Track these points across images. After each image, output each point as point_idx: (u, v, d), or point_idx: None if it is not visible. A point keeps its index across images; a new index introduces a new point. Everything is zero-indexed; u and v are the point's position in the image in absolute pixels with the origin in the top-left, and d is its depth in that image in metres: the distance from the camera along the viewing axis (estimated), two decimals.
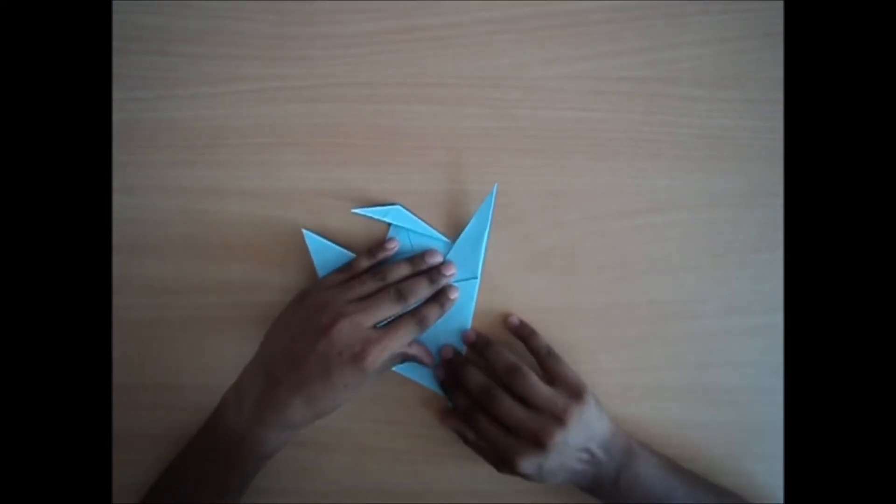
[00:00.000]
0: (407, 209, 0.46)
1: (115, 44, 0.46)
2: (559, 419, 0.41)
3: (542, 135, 0.46)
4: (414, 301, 0.42)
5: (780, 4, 0.46)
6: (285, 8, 0.46)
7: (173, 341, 0.47)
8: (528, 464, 0.41)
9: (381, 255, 0.44)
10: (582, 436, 0.41)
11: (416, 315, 0.42)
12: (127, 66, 0.46)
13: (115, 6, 0.46)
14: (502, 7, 0.46)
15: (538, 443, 0.41)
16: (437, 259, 0.45)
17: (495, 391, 0.43)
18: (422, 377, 0.46)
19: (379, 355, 0.39)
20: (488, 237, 0.46)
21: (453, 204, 0.47)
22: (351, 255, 0.45)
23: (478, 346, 0.46)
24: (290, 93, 0.46)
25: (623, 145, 0.46)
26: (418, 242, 0.46)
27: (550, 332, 0.47)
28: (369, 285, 0.42)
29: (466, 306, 0.46)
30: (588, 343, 0.47)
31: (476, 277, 0.46)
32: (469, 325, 0.46)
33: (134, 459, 0.47)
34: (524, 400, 0.42)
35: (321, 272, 0.46)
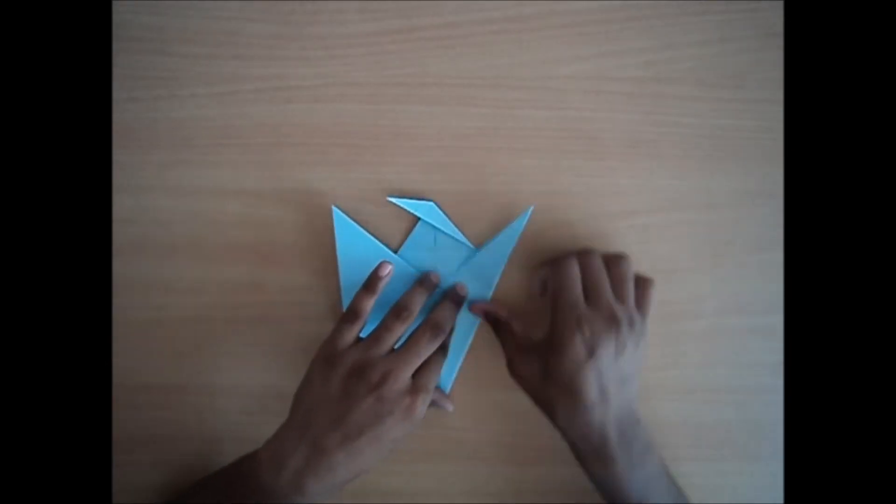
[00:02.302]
0: (440, 208, 0.46)
1: (115, 44, 0.46)
2: (632, 321, 0.40)
3: (542, 135, 0.46)
4: (448, 329, 0.42)
5: (780, 4, 0.46)
6: (285, 8, 0.46)
7: (173, 341, 0.47)
8: (590, 334, 0.39)
9: (381, 287, 0.42)
10: (632, 365, 0.40)
11: (442, 346, 0.42)
12: (127, 66, 0.46)
13: (115, 6, 0.46)
14: (502, 7, 0.46)
15: (613, 320, 0.39)
16: (437, 280, 0.45)
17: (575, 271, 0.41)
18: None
19: (426, 401, 0.40)
20: (511, 252, 0.46)
21: (453, 204, 0.47)
22: (375, 242, 0.45)
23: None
24: (290, 93, 0.46)
25: (623, 145, 0.46)
26: (442, 243, 0.46)
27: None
28: (397, 330, 0.41)
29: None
30: None
31: (490, 288, 0.46)
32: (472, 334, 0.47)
33: (134, 459, 0.47)
34: (616, 287, 0.41)
35: (341, 254, 0.45)
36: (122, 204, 0.47)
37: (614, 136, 0.46)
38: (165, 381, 0.47)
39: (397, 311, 0.41)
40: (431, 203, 0.46)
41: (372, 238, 0.45)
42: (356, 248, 0.45)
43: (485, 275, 0.46)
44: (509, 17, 0.46)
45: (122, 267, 0.47)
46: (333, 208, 0.45)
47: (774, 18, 0.46)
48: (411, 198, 0.46)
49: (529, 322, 0.44)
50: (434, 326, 0.41)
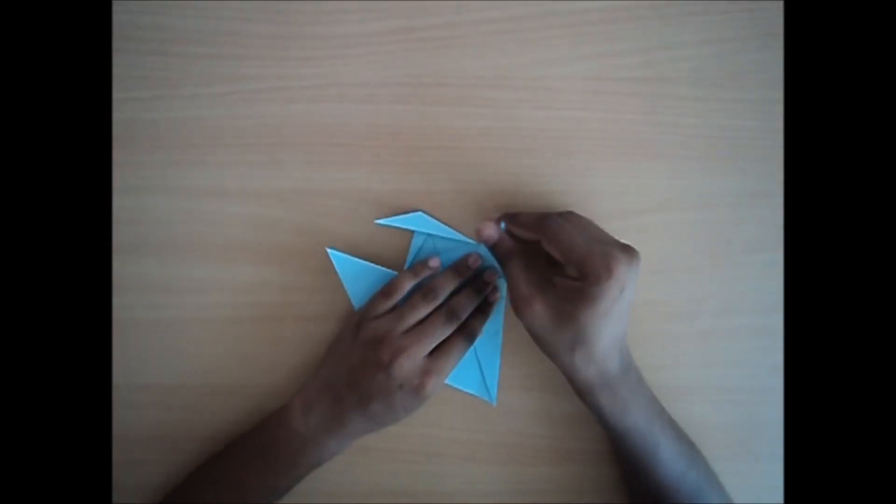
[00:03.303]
0: (429, 214, 0.46)
1: (115, 44, 0.46)
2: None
3: (542, 135, 0.46)
4: (465, 316, 0.43)
5: (780, 4, 0.46)
6: (285, 8, 0.46)
7: (173, 341, 0.47)
8: (622, 272, 0.37)
9: (425, 275, 0.44)
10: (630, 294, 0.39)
11: (464, 331, 0.43)
12: (127, 66, 0.46)
13: (115, 6, 0.46)
14: (502, 7, 0.46)
15: (631, 254, 0.38)
16: (479, 262, 0.45)
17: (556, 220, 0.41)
18: (459, 382, 0.47)
19: (437, 382, 0.42)
20: None
21: (453, 204, 0.47)
22: (377, 268, 0.45)
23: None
24: (290, 93, 0.46)
25: (623, 145, 0.46)
26: (444, 246, 0.46)
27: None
28: (421, 310, 0.43)
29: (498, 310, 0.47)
30: None
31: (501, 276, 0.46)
32: (501, 323, 0.47)
33: (134, 459, 0.47)
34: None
35: (350, 289, 0.46)
36: (122, 204, 0.47)
37: (614, 136, 0.46)
38: (165, 381, 0.47)
39: (425, 292, 0.43)
40: (420, 213, 0.46)
41: (372, 265, 0.46)
42: (361, 279, 0.46)
43: (494, 264, 0.46)
44: (509, 17, 0.46)
45: (122, 267, 0.47)
46: (329, 250, 0.45)
47: (774, 18, 0.46)
48: (399, 214, 0.46)
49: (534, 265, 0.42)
50: (449, 312, 0.43)
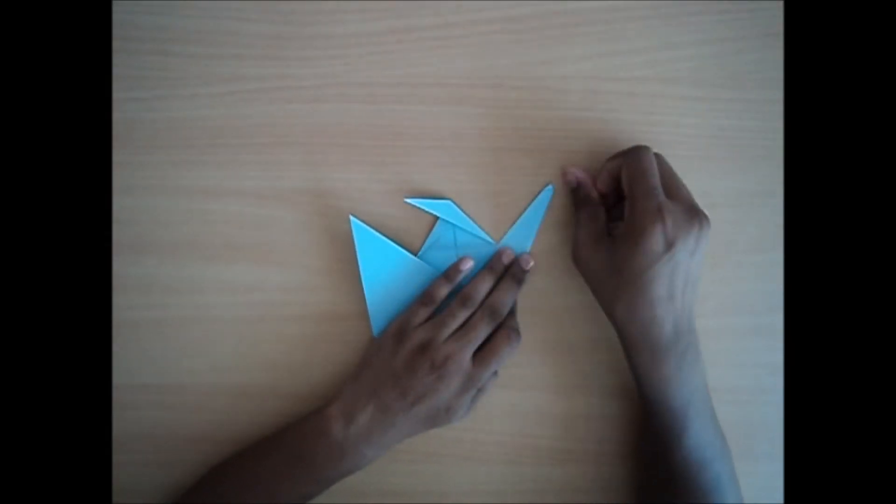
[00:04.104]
0: (458, 205, 0.46)
1: (115, 44, 0.46)
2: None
3: (542, 135, 0.46)
4: (506, 313, 0.44)
5: (780, 4, 0.46)
6: (285, 8, 0.46)
7: (173, 341, 0.47)
8: (672, 226, 0.37)
9: (458, 279, 0.45)
10: (698, 266, 0.39)
11: (506, 330, 0.43)
12: (127, 66, 0.46)
13: (115, 6, 0.46)
14: (502, 7, 0.46)
15: (694, 214, 0.38)
16: (511, 258, 0.46)
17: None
18: None
19: (484, 375, 0.43)
20: (536, 235, 0.47)
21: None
22: (396, 248, 0.45)
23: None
24: (290, 93, 0.46)
25: (623, 145, 0.46)
26: (463, 240, 0.46)
27: (550, 332, 0.47)
28: (461, 315, 0.43)
29: None
30: (588, 343, 0.47)
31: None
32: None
33: (134, 459, 0.47)
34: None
35: (362, 262, 0.45)
36: (122, 204, 0.47)
37: (614, 136, 0.46)
38: (165, 381, 0.47)
39: (463, 299, 0.44)
40: (449, 202, 0.46)
41: (392, 244, 0.45)
42: (377, 255, 0.45)
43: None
44: (509, 17, 0.46)
45: (122, 267, 0.47)
46: (351, 218, 0.45)
47: (774, 18, 0.46)
48: (428, 198, 0.46)
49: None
50: (491, 312, 0.43)
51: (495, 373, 0.45)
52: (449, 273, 0.45)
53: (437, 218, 0.46)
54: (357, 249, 0.45)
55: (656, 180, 0.39)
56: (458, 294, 0.44)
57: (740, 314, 0.47)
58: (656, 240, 0.38)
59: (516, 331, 0.44)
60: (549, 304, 0.47)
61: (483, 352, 0.43)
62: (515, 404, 0.47)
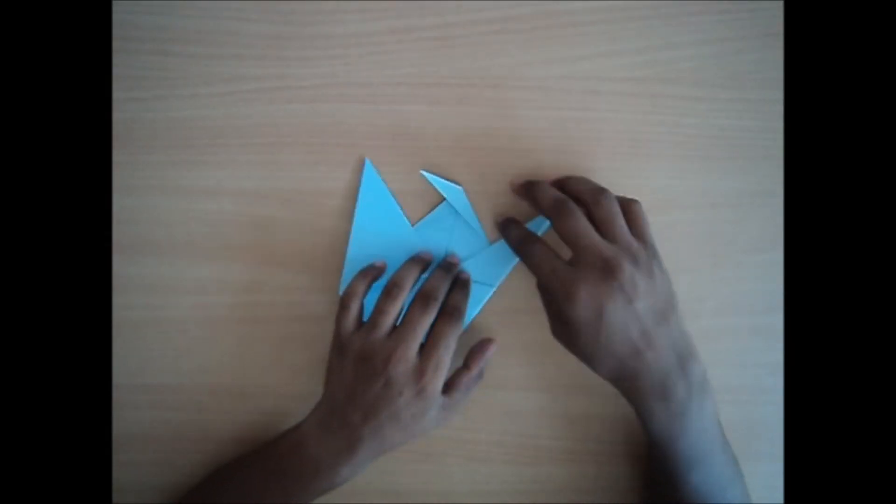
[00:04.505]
0: (467, 196, 0.46)
1: (115, 44, 0.46)
2: (635, 257, 0.37)
3: (542, 135, 0.46)
4: (441, 297, 0.42)
5: (780, 4, 0.46)
6: (285, 8, 0.46)
7: (173, 341, 0.47)
8: (587, 297, 0.36)
9: (374, 273, 0.44)
10: (657, 299, 0.37)
11: (446, 312, 0.42)
12: (127, 66, 0.46)
13: (115, 6, 0.46)
14: (502, 7, 0.46)
15: (608, 270, 0.36)
16: (430, 258, 0.45)
17: (571, 205, 0.38)
18: None
19: (437, 376, 0.40)
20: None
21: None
22: (398, 209, 0.45)
23: (556, 183, 0.42)
24: (290, 93, 0.46)
25: (623, 145, 0.46)
26: (459, 229, 0.46)
27: (550, 332, 0.47)
28: (391, 311, 0.41)
29: (471, 309, 0.46)
30: None
31: (493, 286, 0.46)
32: (463, 326, 0.45)
33: (134, 459, 0.47)
34: (601, 228, 0.38)
35: (360, 209, 0.45)
36: (122, 204, 0.46)
37: (614, 136, 0.46)
38: (165, 381, 0.47)
39: (388, 289, 0.42)
40: (460, 189, 0.46)
41: (395, 204, 0.45)
42: (376, 209, 0.45)
43: (492, 271, 0.46)
44: (509, 17, 0.46)
45: (122, 267, 0.47)
46: (367, 161, 0.45)
47: (774, 18, 0.46)
48: (443, 178, 0.46)
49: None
50: (424, 296, 0.41)
51: (481, 373, 0.44)
52: (364, 270, 0.43)
53: (442, 200, 0.46)
54: (359, 194, 0.45)
55: (549, 255, 0.38)
56: (384, 286, 0.42)
57: (740, 314, 0.47)
58: (581, 315, 0.36)
59: (458, 308, 0.42)
60: None
61: (427, 346, 0.41)
62: (515, 404, 0.47)
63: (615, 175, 0.46)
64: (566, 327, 0.38)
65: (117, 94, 0.46)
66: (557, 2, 0.46)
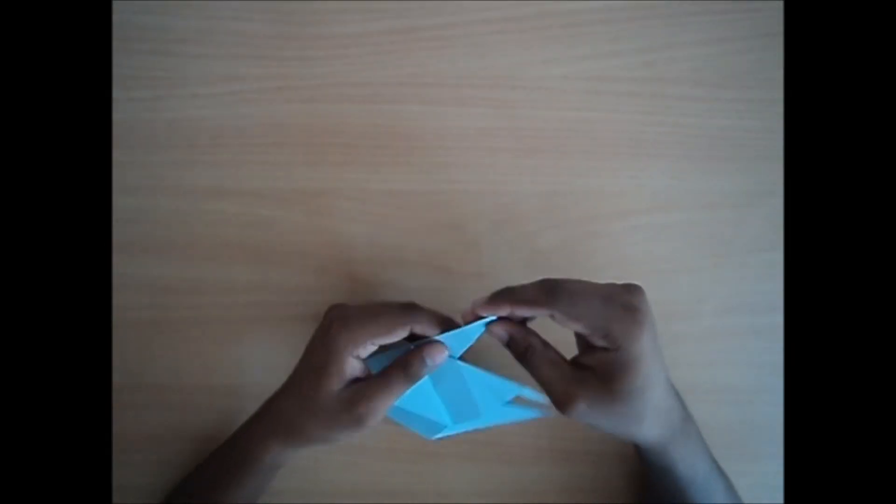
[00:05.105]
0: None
1: (115, 44, 0.46)
2: (627, 291, 0.36)
3: (542, 135, 0.46)
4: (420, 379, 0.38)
5: (780, 4, 0.46)
6: (285, 8, 0.46)
7: (173, 341, 0.47)
8: (644, 312, 0.35)
9: (423, 330, 0.38)
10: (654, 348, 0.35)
11: (405, 364, 0.38)
12: (127, 66, 0.46)
13: (115, 6, 0.46)
14: (502, 7, 0.46)
15: (632, 310, 0.35)
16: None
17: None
18: (409, 421, 0.42)
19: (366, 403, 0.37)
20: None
21: (454, 205, 0.47)
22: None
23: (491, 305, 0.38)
24: (290, 93, 0.46)
25: (623, 145, 0.46)
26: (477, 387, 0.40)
27: (550, 332, 0.47)
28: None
29: (465, 344, 0.40)
30: None
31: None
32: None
33: (134, 459, 0.47)
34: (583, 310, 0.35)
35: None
36: (122, 204, 0.46)
37: (614, 136, 0.46)
38: (165, 381, 0.47)
39: (404, 306, 0.39)
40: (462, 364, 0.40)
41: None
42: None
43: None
44: (509, 17, 0.46)
45: (122, 267, 0.47)
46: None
47: (774, 18, 0.46)
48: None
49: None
50: (409, 367, 0.38)
51: (412, 374, 0.38)
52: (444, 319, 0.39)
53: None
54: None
55: (591, 293, 0.35)
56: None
57: (740, 314, 0.47)
58: (650, 343, 0.35)
59: (416, 372, 0.38)
60: None
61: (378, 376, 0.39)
62: None
63: (615, 175, 0.46)
64: (627, 373, 0.35)
65: (117, 94, 0.46)
66: (557, 2, 0.46)
